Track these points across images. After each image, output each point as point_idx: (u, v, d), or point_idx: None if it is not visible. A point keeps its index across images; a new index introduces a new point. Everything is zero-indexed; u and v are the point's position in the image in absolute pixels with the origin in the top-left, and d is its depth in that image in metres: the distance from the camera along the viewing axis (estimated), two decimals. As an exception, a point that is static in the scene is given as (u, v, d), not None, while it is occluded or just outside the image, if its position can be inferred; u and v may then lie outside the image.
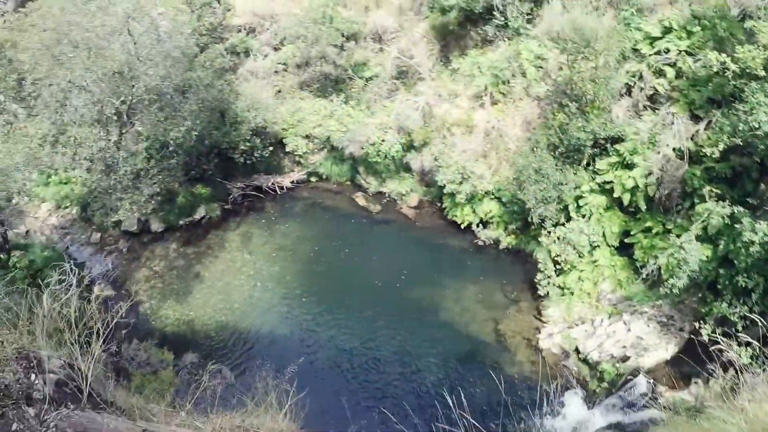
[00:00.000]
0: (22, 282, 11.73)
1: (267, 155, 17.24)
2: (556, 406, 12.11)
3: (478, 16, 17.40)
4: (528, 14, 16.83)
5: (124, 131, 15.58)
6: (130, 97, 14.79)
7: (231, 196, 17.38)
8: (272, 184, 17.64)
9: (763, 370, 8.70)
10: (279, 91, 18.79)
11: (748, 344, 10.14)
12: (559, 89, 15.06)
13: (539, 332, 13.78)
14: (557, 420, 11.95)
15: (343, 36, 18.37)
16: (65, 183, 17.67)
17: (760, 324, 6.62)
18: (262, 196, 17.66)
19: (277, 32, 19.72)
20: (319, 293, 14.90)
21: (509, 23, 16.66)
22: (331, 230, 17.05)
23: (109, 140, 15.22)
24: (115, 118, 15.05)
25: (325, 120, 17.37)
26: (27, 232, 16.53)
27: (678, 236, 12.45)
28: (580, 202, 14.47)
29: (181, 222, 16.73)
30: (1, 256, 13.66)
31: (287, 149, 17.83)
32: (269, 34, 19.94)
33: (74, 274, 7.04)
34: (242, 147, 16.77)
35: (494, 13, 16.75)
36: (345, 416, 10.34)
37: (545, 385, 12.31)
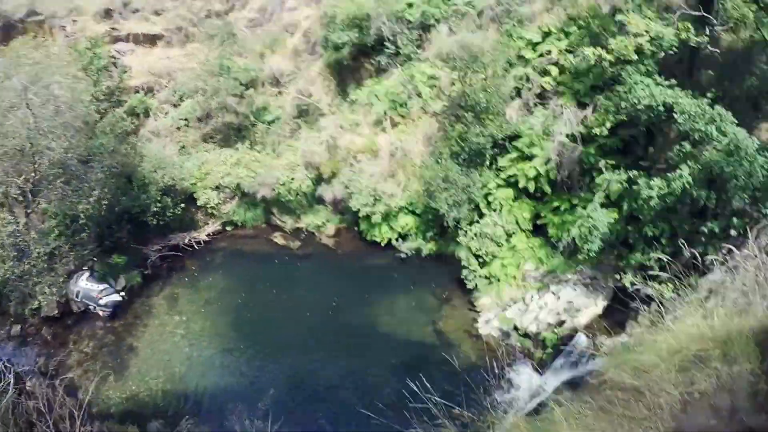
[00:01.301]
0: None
1: (179, 212, 20.71)
2: (511, 382, 15.82)
3: (370, 48, 22.64)
4: (417, 40, 22.14)
5: (29, 211, 18.22)
6: (33, 174, 17.55)
7: (149, 260, 20.45)
8: (189, 240, 21.17)
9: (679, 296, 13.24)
10: (183, 147, 22.73)
11: (668, 281, 15.16)
12: (454, 103, 19.80)
13: (477, 322, 18.00)
14: (514, 393, 15.48)
15: (241, 84, 22.79)
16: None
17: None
18: (180, 254, 20.93)
19: (175, 89, 24.02)
20: (256, 337, 17.97)
21: (400, 51, 21.86)
22: (256, 274, 20.42)
23: (18, 223, 17.71)
24: (21, 198, 17.83)
25: (233, 168, 21.28)
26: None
27: (584, 208, 17.07)
28: (490, 198, 19.15)
29: None
30: None
31: (199, 203, 21.51)
32: (167, 91, 24.20)
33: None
34: (153, 208, 19.99)
35: (385, 43, 21.98)
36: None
37: (495, 366, 16.91)
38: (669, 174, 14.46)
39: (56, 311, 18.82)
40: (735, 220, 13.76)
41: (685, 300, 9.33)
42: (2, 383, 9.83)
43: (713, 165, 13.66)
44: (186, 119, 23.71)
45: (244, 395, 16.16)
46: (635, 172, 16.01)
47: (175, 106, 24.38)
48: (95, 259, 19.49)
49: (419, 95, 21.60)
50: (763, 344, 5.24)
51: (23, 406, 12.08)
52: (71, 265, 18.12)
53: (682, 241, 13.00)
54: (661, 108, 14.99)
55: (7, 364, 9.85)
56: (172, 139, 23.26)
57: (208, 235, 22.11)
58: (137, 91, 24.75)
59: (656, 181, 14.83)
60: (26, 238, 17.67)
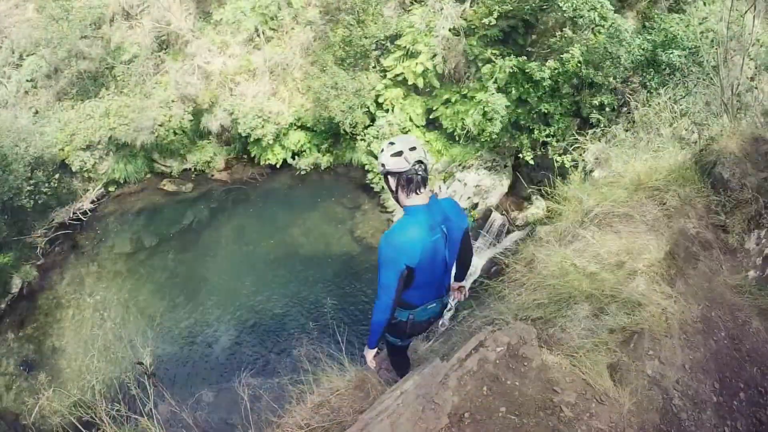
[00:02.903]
0: None
1: (55, 185, 18.55)
2: None
3: (227, -41, 20.41)
4: (277, -57, 20.06)
5: None
6: None
7: (38, 248, 18.44)
8: (73, 213, 19.33)
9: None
10: (36, 112, 20.28)
11: (565, 152, 15.71)
12: (331, 7, 19.01)
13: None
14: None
15: (89, 25, 20.32)
16: None
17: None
18: (69, 231, 19.17)
19: (12, 47, 21.19)
20: (173, 296, 17.00)
21: (261, -42, 19.86)
22: (156, 230, 19.19)
23: None
24: None
25: (103, 120, 19.26)
26: None
27: (473, 98, 17.45)
28: (380, 100, 18.82)
29: (2, 305, 17.07)
30: None
31: (74, 169, 19.47)
32: (4, 52, 21.31)
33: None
34: (27, 188, 17.63)
35: (243, -48, 19.76)
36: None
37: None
38: (563, 56, 15.43)
39: (-44, 338, 16.59)
40: (622, 92, 15.04)
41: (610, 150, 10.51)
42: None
43: (598, 47, 14.95)
44: (32, 79, 20.99)
45: (177, 354, 15.50)
46: (523, 58, 16.70)
47: (17, 66, 21.32)
48: (-22, 265, 17.30)
49: (290, 4, 20.18)
50: (691, 173, 6.40)
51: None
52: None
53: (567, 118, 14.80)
54: (547, -3, 15.72)
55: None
56: (22, 107, 20.48)
57: (92, 202, 20.15)
58: (-33, 62, 21.47)
59: (550, 63, 15.69)
60: None
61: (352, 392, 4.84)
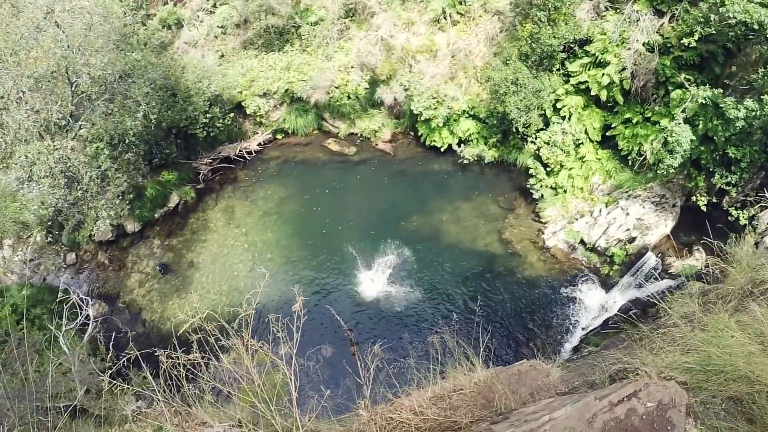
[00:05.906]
0: (16, 329, 12.52)
1: (228, 123, 19.66)
2: (576, 296, 15.95)
3: (423, -62, 20.31)
4: (473, -69, 19.70)
5: (74, 135, 16.85)
6: (70, 96, 16.08)
7: (200, 174, 19.76)
8: (239, 151, 20.31)
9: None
10: (222, 56, 21.39)
11: (743, 206, 14.24)
12: (523, 1, 18.03)
13: (543, 233, 17.52)
14: (580, 307, 15.69)
15: None
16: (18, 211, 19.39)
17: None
18: (232, 166, 20.21)
19: None
20: (318, 248, 17.47)
21: (456, -58, 19.61)
22: (312, 182, 19.75)
23: (64, 148, 16.08)
24: (63, 122, 16.39)
25: (283, 73, 19.98)
26: (-6, 278, 17.02)
27: (656, 123, 16.21)
28: (558, 105, 17.97)
29: (156, 215, 18.66)
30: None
31: (248, 112, 20.39)
32: None
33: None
34: (202, 120, 18.92)
35: (440, -66, 19.55)
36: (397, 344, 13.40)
37: (561, 278, 16.29)
38: (763, 97, 13.34)
39: (110, 234, 18.12)
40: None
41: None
42: (80, 317, 9.69)
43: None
44: (223, 26, 22.16)
45: (309, 303, 15.45)
46: (718, 91, 14.61)
47: (210, 13, 22.58)
48: (145, 177, 18.72)
49: (480, -9, 19.83)
50: None
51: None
52: (123, 187, 16.97)
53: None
54: (756, 26, 13.79)
55: (83, 297, 9.82)
56: (209, 49, 21.78)
57: (259, 144, 21.14)
58: (165, 3, 23.12)
59: (748, 103, 13.55)
60: (75, 163, 16.27)
61: (474, 396, 4.67)
